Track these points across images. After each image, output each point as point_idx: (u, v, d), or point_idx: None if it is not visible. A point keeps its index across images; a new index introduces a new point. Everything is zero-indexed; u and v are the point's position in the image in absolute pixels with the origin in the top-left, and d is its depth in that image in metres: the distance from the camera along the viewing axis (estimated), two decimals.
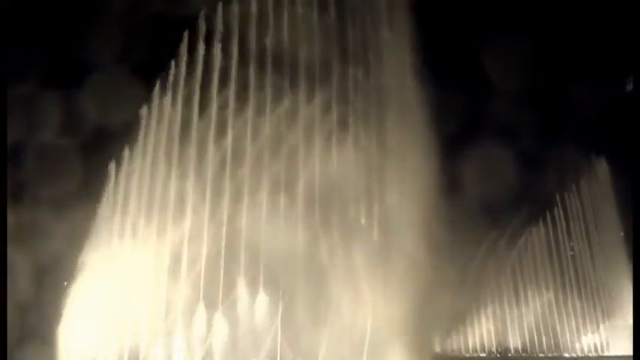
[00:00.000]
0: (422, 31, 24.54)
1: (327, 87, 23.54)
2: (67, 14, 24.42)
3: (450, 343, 39.52)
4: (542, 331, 42.21)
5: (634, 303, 14.58)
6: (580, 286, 43.11)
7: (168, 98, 22.62)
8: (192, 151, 22.31)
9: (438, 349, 36.80)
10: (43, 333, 20.47)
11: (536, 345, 42.13)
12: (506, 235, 39.68)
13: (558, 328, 41.99)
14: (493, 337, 41.99)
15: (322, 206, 22.40)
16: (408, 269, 22.18)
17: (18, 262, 19.59)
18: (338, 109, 23.42)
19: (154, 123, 22.30)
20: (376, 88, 24.31)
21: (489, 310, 41.51)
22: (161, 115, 22.41)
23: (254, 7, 23.62)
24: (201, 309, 21.38)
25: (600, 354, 40.51)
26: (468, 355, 40.83)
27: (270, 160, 22.45)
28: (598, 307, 41.40)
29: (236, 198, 21.91)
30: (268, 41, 22.97)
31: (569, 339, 41.93)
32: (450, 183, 26.71)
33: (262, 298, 21.70)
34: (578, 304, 42.28)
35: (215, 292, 21.53)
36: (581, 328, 41.75)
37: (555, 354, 41.48)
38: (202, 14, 23.04)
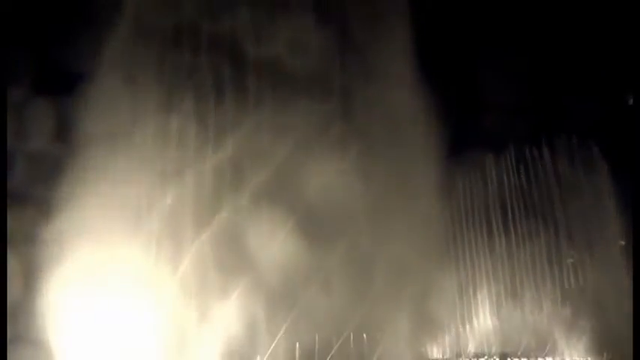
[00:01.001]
0: (422, 43, 24.51)
1: (327, 99, 23.41)
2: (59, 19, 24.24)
3: (445, 348, 39.30)
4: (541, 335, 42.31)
5: (634, 304, 14.43)
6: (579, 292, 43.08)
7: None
8: (188, 169, 22.28)
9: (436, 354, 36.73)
10: (34, 336, 20.32)
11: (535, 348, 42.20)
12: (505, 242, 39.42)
13: (555, 333, 41.98)
14: (492, 340, 41.92)
15: (321, 219, 22.33)
16: (405, 276, 22.21)
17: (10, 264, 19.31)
18: (338, 122, 23.32)
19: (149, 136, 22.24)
20: (376, 100, 24.20)
21: (487, 313, 41.35)
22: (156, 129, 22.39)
23: (250, 18, 23.50)
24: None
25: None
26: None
27: (266, 174, 22.38)
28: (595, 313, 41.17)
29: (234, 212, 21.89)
30: (265, 52, 22.86)
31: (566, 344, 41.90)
32: (449, 190, 26.63)
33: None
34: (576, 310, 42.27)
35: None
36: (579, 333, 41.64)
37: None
38: None
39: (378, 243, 22.88)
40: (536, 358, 41.88)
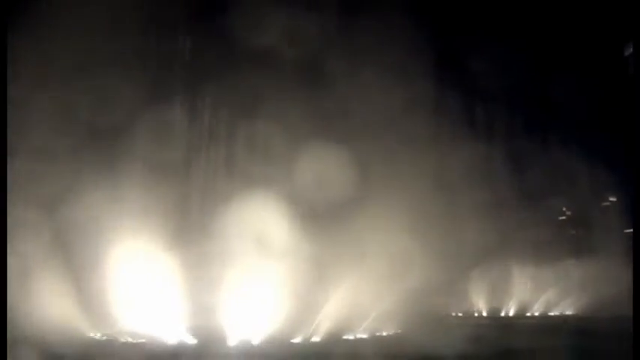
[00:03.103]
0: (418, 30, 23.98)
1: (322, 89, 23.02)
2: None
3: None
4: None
5: (634, 303, 14.93)
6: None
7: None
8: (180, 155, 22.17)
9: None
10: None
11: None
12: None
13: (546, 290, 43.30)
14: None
15: (311, 206, 22.44)
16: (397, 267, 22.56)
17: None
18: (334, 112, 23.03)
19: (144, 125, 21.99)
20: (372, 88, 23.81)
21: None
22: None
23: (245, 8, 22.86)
24: None
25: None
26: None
27: (259, 162, 22.38)
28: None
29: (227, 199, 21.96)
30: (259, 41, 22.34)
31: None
32: (444, 182, 26.73)
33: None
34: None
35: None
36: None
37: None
38: None
39: (375, 232, 23.15)
40: (525, 313, 43.57)
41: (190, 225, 22.36)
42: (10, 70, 15.48)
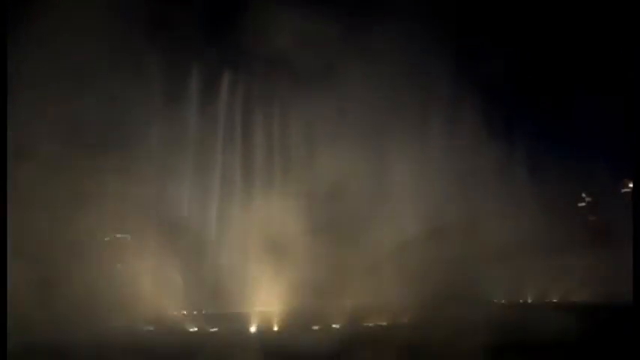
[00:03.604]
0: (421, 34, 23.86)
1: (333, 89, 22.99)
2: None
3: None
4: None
5: (634, 303, 14.88)
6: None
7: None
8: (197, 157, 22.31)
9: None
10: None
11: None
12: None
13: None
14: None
15: (325, 204, 22.50)
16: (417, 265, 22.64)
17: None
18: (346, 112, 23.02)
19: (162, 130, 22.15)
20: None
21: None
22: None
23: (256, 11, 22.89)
24: None
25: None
26: None
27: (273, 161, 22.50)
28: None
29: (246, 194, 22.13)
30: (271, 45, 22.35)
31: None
32: (464, 181, 26.62)
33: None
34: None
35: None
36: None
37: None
38: None
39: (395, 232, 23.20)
40: (543, 300, 43.17)
41: (210, 220, 22.51)
42: (13, 72, 15.62)
